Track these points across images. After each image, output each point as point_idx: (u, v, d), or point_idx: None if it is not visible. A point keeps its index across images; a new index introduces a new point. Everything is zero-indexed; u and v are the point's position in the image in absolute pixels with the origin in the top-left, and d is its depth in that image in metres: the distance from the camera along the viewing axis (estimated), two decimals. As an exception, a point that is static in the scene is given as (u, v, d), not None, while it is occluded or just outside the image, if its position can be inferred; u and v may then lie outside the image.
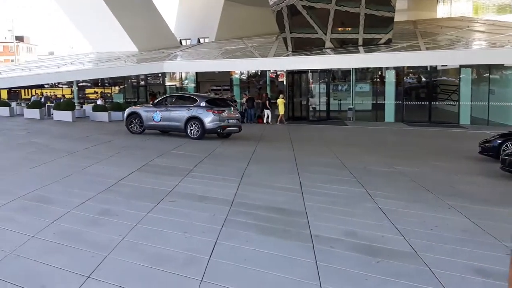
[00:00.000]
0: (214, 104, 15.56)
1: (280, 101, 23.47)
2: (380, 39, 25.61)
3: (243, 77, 27.77)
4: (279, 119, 23.32)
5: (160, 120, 15.56)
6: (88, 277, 4.32)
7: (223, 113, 15.27)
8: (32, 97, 25.15)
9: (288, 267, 4.67)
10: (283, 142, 15.96)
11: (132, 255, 4.86)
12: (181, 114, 15.37)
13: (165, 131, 16.35)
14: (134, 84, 29.71)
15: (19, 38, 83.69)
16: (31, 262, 4.63)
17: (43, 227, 5.63)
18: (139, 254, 4.90)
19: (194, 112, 15.08)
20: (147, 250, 5.01)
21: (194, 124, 15.07)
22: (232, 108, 16.17)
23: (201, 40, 38.71)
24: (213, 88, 27.84)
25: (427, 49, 23.92)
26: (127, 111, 17.00)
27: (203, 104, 15.21)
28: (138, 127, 16.08)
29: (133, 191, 7.62)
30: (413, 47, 24.50)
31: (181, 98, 17.51)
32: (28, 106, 23.31)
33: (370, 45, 25.49)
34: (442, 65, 24.03)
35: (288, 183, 8.83)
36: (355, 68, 24.94)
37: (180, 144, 13.89)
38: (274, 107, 24.04)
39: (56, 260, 4.68)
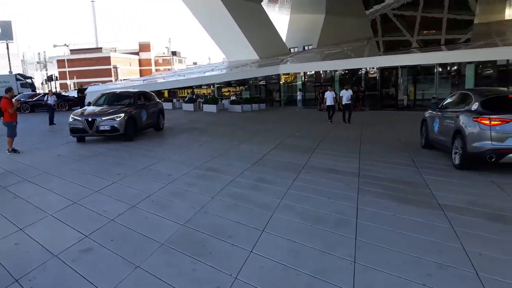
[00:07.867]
0: None
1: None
2: (460, 39, 22.94)
3: (341, 75, 26.50)
4: None
5: None
6: (263, 230, 4.20)
7: None
8: (187, 95, 26.32)
9: (427, 231, 4.13)
10: (382, 126, 14.88)
11: (292, 214, 4.67)
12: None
13: None
14: (256, 84, 29.86)
15: (173, 53, 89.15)
16: (216, 217, 4.64)
17: (219, 190, 5.67)
18: (296, 214, 4.69)
19: None
20: (302, 211, 4.77)
21: None
22: None
23: (306, 47, 37.80)
24: (316, 84, 26.84)
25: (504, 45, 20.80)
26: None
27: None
28: None
29: (276, 164, 7.48)
30: (490, 44, 21.47)
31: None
32: (185, 101, 24.56)
33: (451, 44, 22.87)
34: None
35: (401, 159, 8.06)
36: (438, 64, 22.50)
37: (299, 129, 13.59)
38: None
39: (234, 216, 4.64)
